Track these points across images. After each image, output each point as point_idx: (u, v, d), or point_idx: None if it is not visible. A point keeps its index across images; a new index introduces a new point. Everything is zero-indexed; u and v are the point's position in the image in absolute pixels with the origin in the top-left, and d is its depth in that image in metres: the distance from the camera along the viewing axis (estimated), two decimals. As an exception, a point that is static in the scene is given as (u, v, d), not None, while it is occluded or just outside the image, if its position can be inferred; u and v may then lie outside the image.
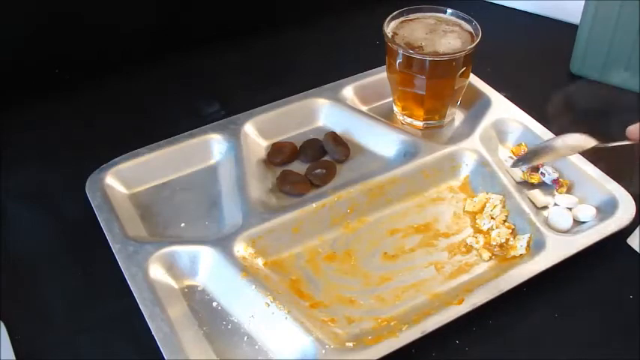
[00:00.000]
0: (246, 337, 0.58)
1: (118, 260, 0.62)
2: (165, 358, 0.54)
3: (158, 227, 0.68)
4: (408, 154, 0.73)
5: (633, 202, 0.66)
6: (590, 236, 0.64)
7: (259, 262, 0.63)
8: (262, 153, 0.75)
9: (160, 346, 0.55)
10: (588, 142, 0.59)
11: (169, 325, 0.57)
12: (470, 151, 0.72)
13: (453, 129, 0.78)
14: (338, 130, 0.77)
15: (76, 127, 0.81)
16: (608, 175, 0.69)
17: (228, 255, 0.62)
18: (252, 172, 0.71)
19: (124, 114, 0.83)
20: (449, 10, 0.76)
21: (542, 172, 0.71)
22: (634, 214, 0.66)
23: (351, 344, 0.56)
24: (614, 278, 0.64)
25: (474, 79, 0.80)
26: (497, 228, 0.66)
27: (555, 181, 0.71)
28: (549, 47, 0.93)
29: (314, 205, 0.67)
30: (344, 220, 0.68)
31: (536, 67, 0.90)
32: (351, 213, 0.68)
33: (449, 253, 0.65)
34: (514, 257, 0.64)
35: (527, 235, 0.64)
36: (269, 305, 0.58)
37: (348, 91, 0.81)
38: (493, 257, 0.64)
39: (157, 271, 0.61)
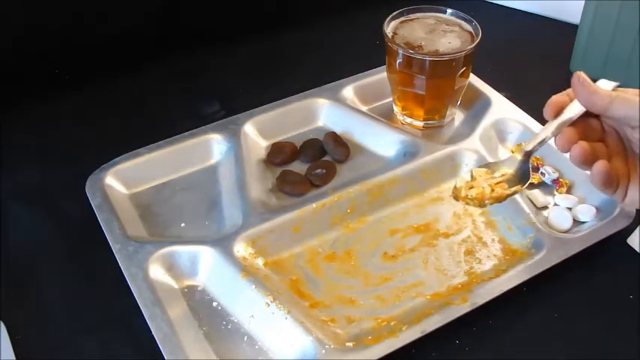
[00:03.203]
0: (246, 337, 0.58)
1: (118, 260, 0.62)
2: (165, 358, 0.54)
3: (158, 227, 0.68)
4: (408, 154, 0.73)
5: (633, 202, 0.66)
6: (590, 236, 0.64)
7: (259, 262, 0.63)
8: (262, 153, 0.75)
9: (159, 346, 0.55)
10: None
11: (169, 325, 0.57)
12: (470, 151, 0.72)
13: (453, 129, 0.78)
14: (338, 130, 0.77)
15: (76, 127, 0.81)
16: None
17: (228, 255, 0.62)
18: (252, 172, 0.71)
19: (124, 114, 0.83)
20: (449, 10, 0.76)
21: (542, 172, 0.71)
22: (634, 214, 0.66)
23: (351, 344, 0.56)
24: (614, 278, 0.64)
25: (473, 79, 0.80)
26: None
27: (555, 181, 0.71)
28: (549, 47, 0.93)
29: (314, 205, 0.67)
30: (344, 220, 0.68)
31: (536, 67, 0.90)
32: (351, 213, 0.68)
33: (449, 253, 0.65)
34: (519, 253, 0.64)
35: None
36: (269, 305, 0.58)
37: (348, 91, 0.81)
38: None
39: (157, 271, 0.61)
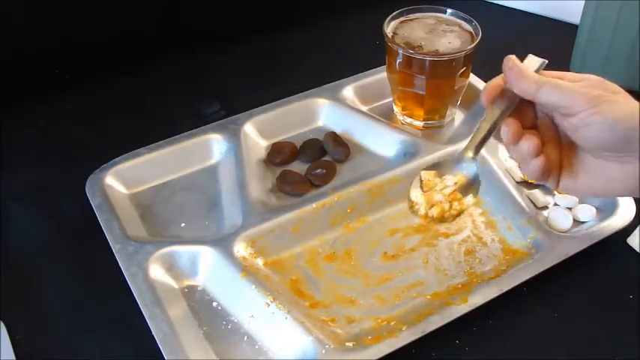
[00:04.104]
0: (246, 337, 0.58)
1: (118, 260, 0.62)
2: (165, 358, 0.54)
3: (158, 227, 0.68)
4: (408, 154, 0.73)
5: (633, 202, 0.66)
6: (590, 236, 0.64)
7: (259, 262, 0.63)
8: (262, 153, 0.75)
9: (159, 346, 0.55)
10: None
11: (169, 325, 0.57)
12: (470, 151, 0.72)
13: (453, 129, 0.78)
14: (338, 130, 0.77)
15: (76, 127, 0.81)
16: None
17: (228, 255, 0.62)
18: (252, 172, 0.71)
19: (124, 114, 0.83)
20: (449, 10, 0.76)
21: (542, 172, 0.71)
22: (634, 214, 0.66)
23: (351, 344, 0.56)
24: (614, 278, 0.64)
25: (473, 79, 0.80)
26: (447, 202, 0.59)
27: (555, 181, 0.71)
28: (549, 47, 0.93)
29: (314, 205, 0.67)
30: (344, 220, 0.68)
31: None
32: (351, 213, 0.68)
33: (449, 253, 0.65)
34: (519, 253, 0.64)
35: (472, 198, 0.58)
36: (269, 305, 0.58)
37: (348, 91, 0.81)
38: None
39: (157, 271, 0.61)
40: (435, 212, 0.57)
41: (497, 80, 0.53)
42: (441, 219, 0.57)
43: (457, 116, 0.80)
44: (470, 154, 0.56)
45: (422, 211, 0.57)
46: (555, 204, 0.69)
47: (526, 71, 0.51)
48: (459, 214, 0.57)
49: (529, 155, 0.51)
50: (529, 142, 0.51)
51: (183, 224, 0.68)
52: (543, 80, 0.50)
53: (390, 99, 0.80)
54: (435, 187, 0.58)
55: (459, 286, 0.62)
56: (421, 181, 0.58)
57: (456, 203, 0.57)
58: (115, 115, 0.83)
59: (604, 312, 0.61)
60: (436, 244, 0.66)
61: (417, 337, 0.56)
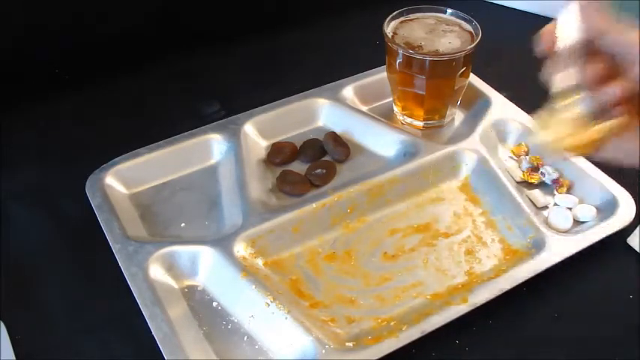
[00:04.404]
0: (246, 337, 0.58)
1: (118, 260, 0.62)
2: (166, 358, 0.54)
3: (158, 227, 0.68)
4: (408, 154, 0.73)
5: (633, 202, 0.66)
6: (590, 236, 0.64)
7: (259, 262, 0.63)
8: (262, 153, 0.75)
9: (159, 346, 0.55)
10: None
11: (169, 325, 0.57)
12: (470, 151, 0.72)
13: (453, 129, 0.78)
14: (338, 130, 0.77)
15: (76, 127, 0.81)
16: (608, 174, 0.69)
17: (228, 255, 0.62)
18: (252, 172, 0.71)
19: (124, 114, 0.83)
20: (449, 10, 0.76)
21: (542, 172, 0.71)
22: (634, 214, 0.66)
23: (351, 344, 0.56)
24: (614, 278, 0.64)
25: (473, 79, 0.80)
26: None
27: (555, 181, 0.71)
28: (549, 47, 0.93)
29: (314, 205, 0.67)
30: (344, 220, 0.68)
31: (536, 67, 0.90)
32: (351, 213, 0.68)
33: (449, 253, 0.65)
34: (519, 253, 0.64)
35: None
36: (269, 305, 0.58)
37: (348, 91, 0.81)
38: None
39: (157, 271, 0.61)
40: (583, 139, 0.51)
41: (551, 25, 0.50)
42: (589, 145, 0.51)
43: (457, 116, 0.80)
44: (565, 99, 0.51)
45: (566, 143, 0.51)
46: (555, 204, 0.69)
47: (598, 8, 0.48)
48: (605, 140, 0.50)
49: (615, 99, 0.46)
50: (616, 86, 0.46)
51: (183, 224, 0.68)
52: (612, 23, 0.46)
53: (390, 99, 0.80)
54: (556, 121, 0.52)
55: (459, 286, 0.62)
56: (540, 124, 0.53)
57: (588, 130, 0.50)
58: (115, 115, 0.83)
59: (604, 312, 0.61)
60: (436, 244, 0.66)
61: (417, 337, 0.56)
